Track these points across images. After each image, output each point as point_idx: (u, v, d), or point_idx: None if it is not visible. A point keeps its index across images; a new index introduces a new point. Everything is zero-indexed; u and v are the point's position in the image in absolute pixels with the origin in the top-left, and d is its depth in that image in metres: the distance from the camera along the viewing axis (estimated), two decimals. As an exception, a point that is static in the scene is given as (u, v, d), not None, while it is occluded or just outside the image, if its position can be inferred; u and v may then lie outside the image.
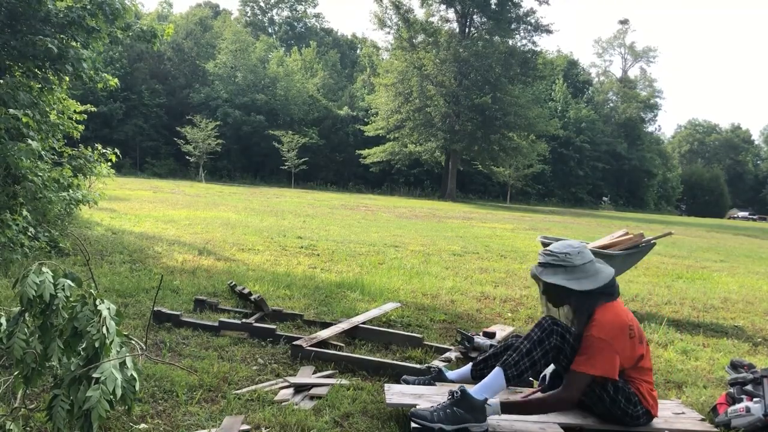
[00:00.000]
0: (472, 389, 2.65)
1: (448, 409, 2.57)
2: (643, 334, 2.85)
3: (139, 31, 6.55)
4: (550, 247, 2.85)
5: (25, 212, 5.67)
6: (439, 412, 2.56)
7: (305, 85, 50.56)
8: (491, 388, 2.66)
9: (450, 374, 3.10)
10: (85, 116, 7.64)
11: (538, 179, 50.44)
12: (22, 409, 2.46)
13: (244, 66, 48.11)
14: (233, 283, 5.30)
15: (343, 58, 63.76)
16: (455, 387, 2.70)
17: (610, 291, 2.78)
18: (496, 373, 2.68)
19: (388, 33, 44.58)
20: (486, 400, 2.61)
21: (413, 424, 2.58)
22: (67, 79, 6.45)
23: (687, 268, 10.22)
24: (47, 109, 6.35)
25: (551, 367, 2.91)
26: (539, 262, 2.84)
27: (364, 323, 4.28)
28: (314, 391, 3.08)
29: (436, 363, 3.01)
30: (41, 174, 5.76)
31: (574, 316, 2.79)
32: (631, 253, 5.58)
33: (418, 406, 2.69)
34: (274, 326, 4.04)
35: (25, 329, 2.20)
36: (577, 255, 2.77)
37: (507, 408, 2.62)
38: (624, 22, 73.61)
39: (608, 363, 2.63)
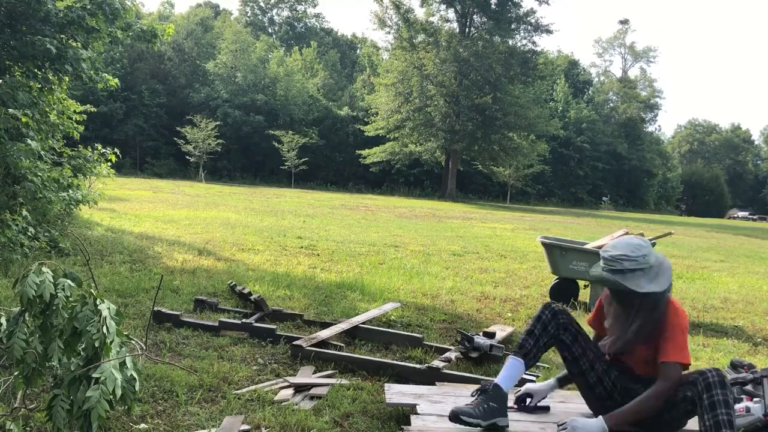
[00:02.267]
0: (499, 380, 2.72)
1: (486, 405, 2.62)
2: None
3: (140, 31, 6.55)
4: (623, 252, 2.64)
5: (25, 212, 5.67)
6: (479, 407, 2.61)
7: (305, 85, 50.53)
8: (514, 377, 2.74)
9: (506, 385, 2.78)
10: (85, 116, 7.63)
11: (538, 179, 50.40)
12: (22, 409, 2.46)
13: (244, 66, 48.09)
14: (233, 283, 5.30)
15: (343, 58, 63.75)
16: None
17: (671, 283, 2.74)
18: (513, 362, 2.75)
19: (388, 33, 44.54)
20: (508, 390, 2.69)
21: (458, 424, 2.57)
22: (67, 79, 6.45)
23: (687, 268, 10.22)
24: (47, 109, 6.35)
25: (532, 386, 2.94)
26: (614, 269, 2.62)
27: (364, 323, 4.28)
28: (314, 391, 3.08)
29: (486, 383, 2.84)
30: (41, 174, 5.75)
31: (636, 313, 2.65)
32: (631, 253, 5.58)
33: (457, 406, 2.65)
34: (274, 326, 4.04)
35: (25, 329, 2.21)
36: (649, 251, 2.67)
37: (615, 420, 2.50)
38: (624, 22, 73.54)
39: (688, 351, 2.62)
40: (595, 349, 2.76)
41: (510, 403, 2.78)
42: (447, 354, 3.77)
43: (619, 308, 2.73)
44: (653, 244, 5.70)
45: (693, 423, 2.87)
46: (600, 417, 2.49)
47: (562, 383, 2.95)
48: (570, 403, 2.99)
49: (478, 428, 2.56)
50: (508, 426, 2.63)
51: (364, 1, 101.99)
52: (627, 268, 2.61)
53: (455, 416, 2.57)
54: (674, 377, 2.52)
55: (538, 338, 2.78)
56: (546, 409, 2.87)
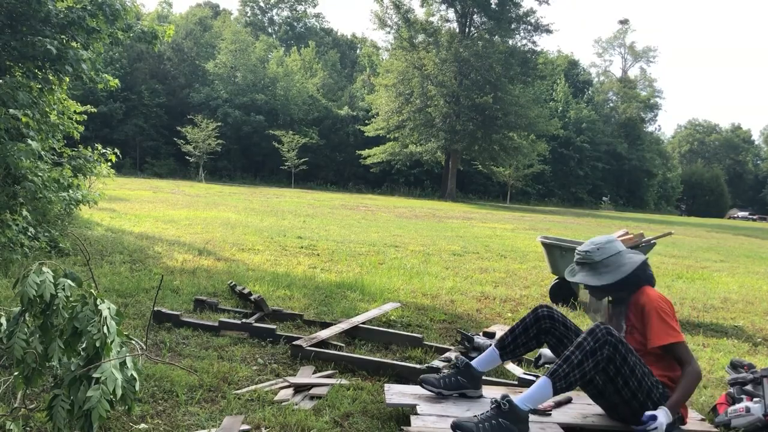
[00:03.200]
0: (517, 399, 2.53)
1: (494, 421, 2.46)
2: None
3: (140, 32, 6.55)
4: (580, 247, 3.00)
5: (25, 212, 5.68)
6: (484, 424, 2.45)
7: (305, 85, 50.55)
8: (537, 399, 2.56)
9: (478, 366, 2.98)
10: (85, 116, 7.63)
11: (538, 179, 50.42)
12: (22, 409, 2.46)
13: (244, 66, 48.10)
14: (233, 283, 5.30)
15: (343, 58, 63.74)
16: (452, 391, 2.77)
17: (648, 280, 2.89)
18: (544, 384, 2.54)
19: (388, 33, 44.62)
20: (530, 410, 2.52)
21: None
22: (67, 79, 6.45)
23: (687, 268, 10.22)
24: (47, 110, 6.35)
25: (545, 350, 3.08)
26: (579, 262, 2.98)
27: (364, 323, 4.29)
28: (314, 391, 3.08)
29: (461, 357, 3.02)
30: (41, 174, 5.75)
31: (614, 307, 2.94)
32: (631, 253, 5.58)
33: (460, 417, 2.58)
34: (274, 326, 4.04)
35: (26, 329, 2.21)
36: (596, 251, 2.90)
37: (673, 405, 2.58)
38: (624, 22, 73.63)
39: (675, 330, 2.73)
40: (640, 367, 2.70)
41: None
42: (447, 354, 3.77)
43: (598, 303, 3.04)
44: (653, 244, 5.72)
45: (693, 424, 2.88)
46: (662, 408, 2.55)
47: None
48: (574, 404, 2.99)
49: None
50: (480, 396, 2.90)
51: (364, 1, 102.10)
52: (576, 262, 2.98)
53: (454, 427, 2.49)
54: (686, 355, 2.69)
55: (517, 337, 2.98)
56: (568, 400, 2.95)
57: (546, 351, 3.09)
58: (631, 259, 2.88)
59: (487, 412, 2.52)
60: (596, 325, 2.62)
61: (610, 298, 3.01)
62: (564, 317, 2.98)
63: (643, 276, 2.86)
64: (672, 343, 2.68)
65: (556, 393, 2.52)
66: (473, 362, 2.98)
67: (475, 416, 2.52)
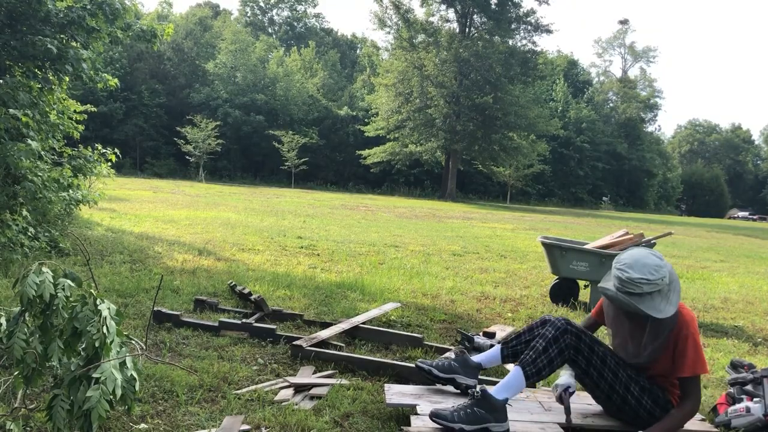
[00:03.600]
0: (492, 389, 2.62)
1: (469, 410, 2.55)
2: None
3: (139, 30, 6.55)
4: (642, 275, 2.52)
5: (25, 212, 5.67)
6: (459, 412, 2.54)
7: (305, 85, 50.55)
8: (511, 387, 2.63)
9: (476, 358, 3.02)
10: (85, 116, 7.63)
11: (538, 179, 50.42)
12: (22, 409, 2.46)
13: (244, 66, 48.09)
14: (233, 283, 5.30)
15: (343, 58, 63.73)
16: (447, 385, 2.74)
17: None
18: (516, 373, 2.63)
19: (388, 33, 44.61)
20: (506, 400, 2.59)
21: (434, 424, 2.58)
22: (67, 79, 6.45)
23: (687, 268, 10.22)
24: (47, 110, 6.34)
25: (565, 378, 2.79)
26: (632, 293, 2.54)
27: (364, 323, 4.28)
28: (314, 391, 3.08)
29: (460, 349, 3.05)
30: (41, 174, 5.75)
31: (650, 328, 2.61)
32: (631, 253, 5.58)
33: (437, 406, 2.67)
34: (274, 326, 4.04)
35: (25, 329, 2.21)
36: (666, 270, 2.57)
37: None
38: (624, 22, 73.55)
39: (704, 360, 2.63)
40: (612, 358, 2.70)
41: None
42: (447, 354, 3.77)
43: (628, 322, 2.71)
44: (653, 244, 5.72)
45: (693, 424, 2.88)
46: None
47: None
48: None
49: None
50: (473, 386, 2.78)
51: (364, 1, 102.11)
52: (645, 292, 2.52)
53: (431, 415, 2.61)
54: (696, 391, 2.59)
55: (521, 334, 2.94)
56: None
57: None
58: (671, 269, 2.64)
59: (464, 401, 2.64)
60: (556, 318, 2.71)
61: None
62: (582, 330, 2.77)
63: None
64: (698, 375, 2.58)
65: (527, 379, 2.61)
66: (474, 357, 2.99)
67: (452, 406, 2.62)
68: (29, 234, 5.67)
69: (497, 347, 2.97)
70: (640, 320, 2.63)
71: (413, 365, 3.50)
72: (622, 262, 2.60)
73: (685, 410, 2.60)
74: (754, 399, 2.97)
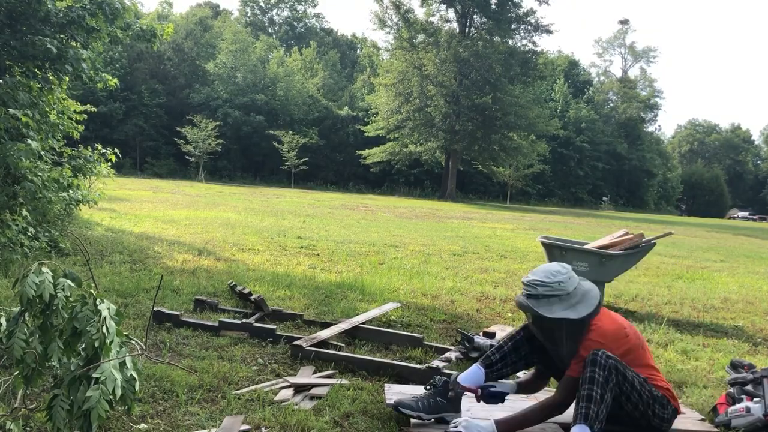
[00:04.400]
0: (458, 377, 2.77)
1: (431, 399, 2.70)
2: (638, 332, 2.79)
3: (139, 30, 6.55)
4: (538, 276, 2.66)
5: (25, 212, 5.67)
6: (423, 401, 2.70)
7: (305, 85, 50.53)
8: (468, 380, 2.76)
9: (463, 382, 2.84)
10: (85, 116, 7.63)
11: (538, 179, 50.41)
12: (22, 409, 2.46)
13: (244, 66, 48.09)
14: (233, 283, 5.30)
15: (343, 58, 63.72)
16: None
17: (599, 308, 2.67)
18: (473, 368, 2.79)
19: (388, 33, 44.58)
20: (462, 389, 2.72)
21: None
22: (67, 79, 6.44)
23: (687, 268, 10.22)
24: (47, 109, 6.34)
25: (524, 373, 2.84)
26: (529, 294, 2.63)
27: (364, 323, 4.28)
28: (314, 391, 3.08)
29: (439, 377, 2.85)
30: (41, 174, 5.75)
31: (566, 340, 2.62)
32: (631, 253, 5.59)
33: (402, 398, 2.78)
34: (274, 326, 4.04)
35: (25, 329, 2.20)
36: (568, 279, 2.63)
37: (505, 426, 2.54)
38: (624, 22, 73.49)
39: None
40: (636, 377, 2.62)
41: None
42: (447, 354, 3.78)
43: (544, 339, 2.69)
44: (653, 244, 5.72)
45: (693, 424, 2.88)
46: (491, 420, 2.54)
47: (520, 388, 2.88)
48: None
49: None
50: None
51: (364, 1, 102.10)
52: (541, 294, 2.60)
53: (396, 405, 2.69)
54: (570, 391, 2.55)
55: (506, 355, 2.80)
56: (501, 399, 2.78)
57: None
58: (588, 284, 2.71)
59: (426, 392, 2.76)
60: (594, 353, 2.50)
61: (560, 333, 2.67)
62: None
63: (600, 304, 2.72)
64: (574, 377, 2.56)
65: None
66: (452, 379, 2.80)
67: (413, 397, 2.74)
68: (29, 234, 5.67)
69: (477, 369, 2.79)
70: (552, 335, 2.63)
71: (413, 365, 3.50)
72: (531, 270, 2.76)
73: (547, 402, 2.62)
74: (754, 399, 2.97)
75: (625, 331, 2.66)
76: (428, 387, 2.79)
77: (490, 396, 2.73)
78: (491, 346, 3.81)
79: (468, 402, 2.90)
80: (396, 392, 2.97)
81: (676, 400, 2.72)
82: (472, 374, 2.79)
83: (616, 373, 2.48)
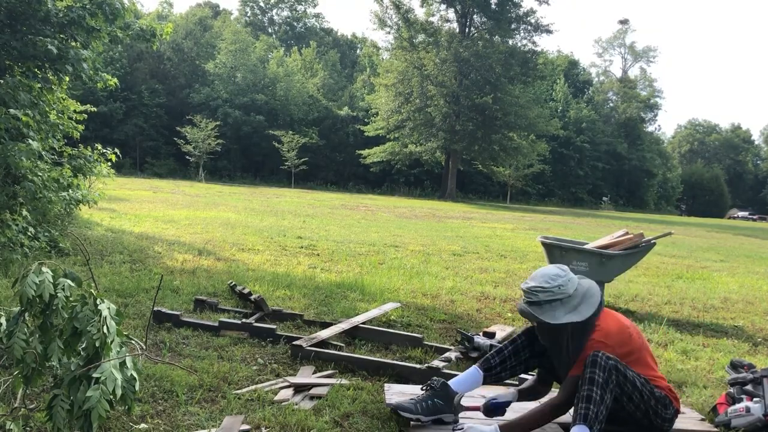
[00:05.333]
0: (451, 381, 2.78)
1: (429, 401, 2.70)
2: (641, 333, 2.80)
3: (139, 30, 6.54)
4: (537, 283, 2.60)
5: (25, 212, 5.67)
6: (420, 404, 2.70)
7: (305, 85, 50.52)
8: (464, 383, 2.78)
9: (456, 387, 2.79)
10: (85, 116, 7.63)
11: (538, 179, 50.40)
12: (22, 409, 2.46)
13: (243, 66, 48.08)
14: (233, 283, 5.30)
15: (343, 58, 63.70)
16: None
17: (601, 307, 2.66)
18: (471, 370, 2.80)
19: (388, 33, 44.62)
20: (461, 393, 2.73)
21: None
22: (67, 79, 6.44)
23: (687, 268, 10.22)
24: (47, 109, 6.34)
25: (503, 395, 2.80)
26: (531, 301, 2.59)
27: (364, 323, 4.28)
28: (314, 391, 3.08)
29: (437, 378, 2.82)
30: (41, 174, 5.75)
31: (570, 341, 2.62)
32: (631, 253, 5.59)
33: (401, 400, 2.77)
34: (274, 326, 4.04)
35: (25, 329, 2.21)
36: (567, 281, 2.59)
37: (508, 430, 2.52)
38: (624, 22, 73.44)
39: None
40: (638, 378, 2.62)
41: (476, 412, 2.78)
42: (447, 354, 3.77)
43: (549, 343, 2.67)
44: (653, 244, 5.72)
45: (693, 424, 2.88)
46: (495, 425, 2.51)
47: (522, 395, 2.84)
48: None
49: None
50: (455, 422, 2.68)
51: (364, 1, 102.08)
52: (543, 300, 2.56)
53: (396, 408, 2.68)
54: (573, 391, 2.51)
55: (506, 359, 2.77)
56: (503, 411, 2.76)
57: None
58: (587, 282, 2.68)
59: (422, 393, 2.76)
60: (595, 355, 2.48)
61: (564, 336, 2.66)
62: None
63: (602, 303, 2.70)
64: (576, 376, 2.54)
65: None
66: (451, 381, 2.77)
67: (410, 399, 2.73)
68: (29, 234, 5.67)
69: (475, 369, 2.77)
70: (556, 338, 2.62)
71: (413, 365, 3.50)
72: (530, 276, 2.69)
73: (553, 403, 2.59)
74: (754, 399, 2.97)
75: (629, 331, 2.65)
76: (425, 388, 2.77)
77: (492, 409, 2.71)
78: (491, 346, 3.81)
79: (468, 402, 2.90)
80: (396, 392, 2.97)
81: (677, 400, 2.72)
82: (470, 377, 2.77)
83: (617, 373, 2.47)
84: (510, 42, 41.85)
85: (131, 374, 2.21)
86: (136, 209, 13.17)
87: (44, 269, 2.24)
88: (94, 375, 2.08)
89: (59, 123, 6.78)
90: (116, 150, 7.53)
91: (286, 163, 42.37)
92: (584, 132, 55.55)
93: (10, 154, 5.15)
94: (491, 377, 2.77)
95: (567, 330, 2.59)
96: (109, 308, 2.24)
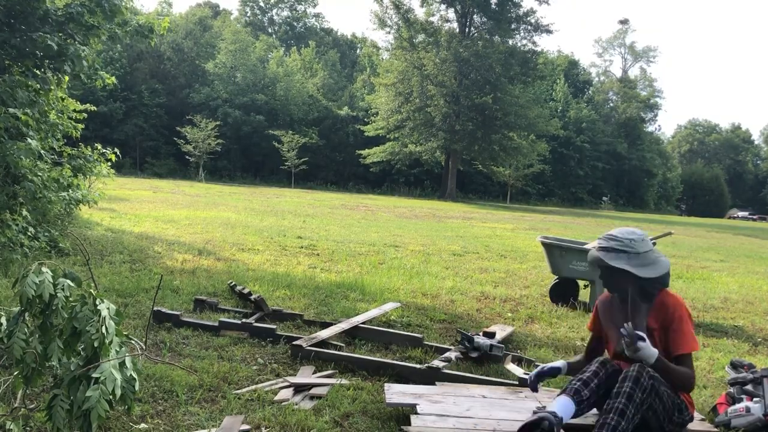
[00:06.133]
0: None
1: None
2: None
3: (137, 25, 6.53)
4: (613, 232, 2.79)
5: (25, 212, 5.67)
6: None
7: (305, 85, 50.51)
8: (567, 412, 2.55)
9: (560, 412, 2.55)
10: (85, 116, 7.62)
11: (538, 179, 50.38)
12: (22, 409, 2.46)
13: (243, 66, 48.07)
14: (233, 283, 5.30)
15: (343, 58, 63.68)
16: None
17: (667, 280, 2.76)
18: (563, 400, 2.56)
19: (388, 33, 44.60)
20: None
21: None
22: (67, 78, 6.44)
23: (687, 268, 10.22)
24: (46, 109, 6.34)
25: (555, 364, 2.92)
26: (601, 246, 2.75)
27: (364, 323, 4.28)
28: (314, 391, 3.08)
29: (539, 407, 2.70)
30: (41, 174, 5.75)
31: (632, 303, 2.72)
32: (631, 253, 5.58)
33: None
34: (274, 326, 4.04)
35: (25, 329, 2.20)
36: (641, 242, 2.72)
37: (663, 365, 2.54)
38: (624, 22, 73.41)
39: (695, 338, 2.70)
40: (663, 385, 2.60)
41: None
42: (447, 354, 3.77)
43: (617, 301, 2.78)
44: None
45: (693, 424, 2.88)
46: (656, 350, 2.55)
47: (571, 369, 2.90)
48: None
49: None
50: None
51: (364, 1, 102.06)
52: (611, 247, 2.73)
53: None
54: (692, 366, 2.64)
55: (594, 392, 2.62)
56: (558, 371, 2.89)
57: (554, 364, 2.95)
58: (662, 256, 2.79)
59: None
60: (639, 372, 2.48)
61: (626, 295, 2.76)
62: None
63: (668, 279, 2.78)
64: (692, 352, 2.64)
65: None
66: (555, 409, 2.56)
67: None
68: (29, 234, 5.67)
69: (569, 403, 2.58)
70: (620, 290, 2.74)
71: (413, 365, 3.50)
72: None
73: (691, 373, 2.63)
74: (754, 399, 2.97)
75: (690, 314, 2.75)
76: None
77: (544, 374, 2.86)
78: (491, 346, 3.81)
79: (468, 402, 2.90)
80: (396, 392, 2.97)
81: (693, 406, 2.72)
82: (566, 406, 2.57)
83: (652, 393, 2.49)
84: (510, 42, 41.83)
85: (131, 374, 2.21)
86: (136, 209, 13.17)
87: (44, 269, 2.23)
88: (94, 375, 2.08)
89: (59, 123, 6.78)
90: (116, 150, 7.53)
91: (286, 163, 42.36)
92: (584, 132, 55.53)
93: (9, 153, 5.15)
94: (582, 411, 2.62)
95: (629, 285, 2.69)
96: (108, 308, 2.24)
